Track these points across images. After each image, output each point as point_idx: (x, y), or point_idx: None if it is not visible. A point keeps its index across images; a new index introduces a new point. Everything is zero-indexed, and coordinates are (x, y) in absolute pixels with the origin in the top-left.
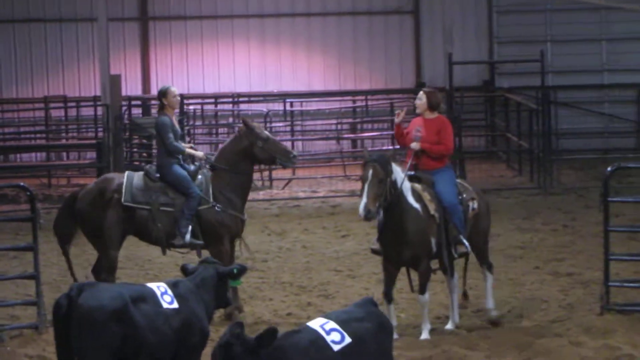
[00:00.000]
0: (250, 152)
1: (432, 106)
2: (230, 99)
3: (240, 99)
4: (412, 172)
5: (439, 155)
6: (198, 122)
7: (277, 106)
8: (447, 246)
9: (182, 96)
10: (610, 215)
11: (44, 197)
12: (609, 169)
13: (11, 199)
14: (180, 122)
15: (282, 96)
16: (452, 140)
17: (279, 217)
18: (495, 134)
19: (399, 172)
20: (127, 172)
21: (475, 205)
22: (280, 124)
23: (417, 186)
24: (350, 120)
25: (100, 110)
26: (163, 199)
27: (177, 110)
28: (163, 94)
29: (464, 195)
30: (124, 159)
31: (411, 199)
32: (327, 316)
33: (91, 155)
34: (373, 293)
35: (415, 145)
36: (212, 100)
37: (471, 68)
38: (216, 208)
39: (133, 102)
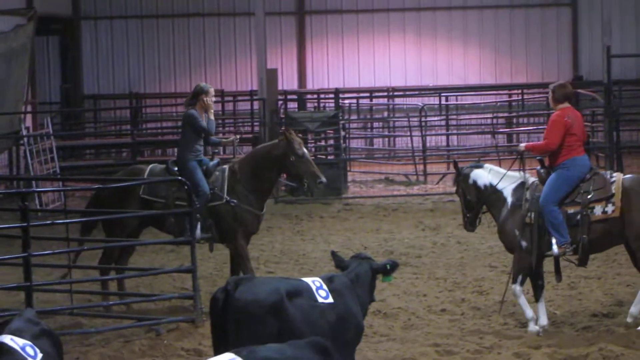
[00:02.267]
0: (280, 162)
1: (556, 99)
2: (386, 93)
3: (395, 93)
4: (539, 168)
5: (541, 153)
6: (353, 117)
7: (433, 100)
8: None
9: (337, 90)
10: None
11: None
12: None
13: None
14: (335, 116)
15: (438, 90)
16: (555, 135)
17: (433, 212)
18: None
19: (483, 175)
20: (151, 165)
21: (610, 208)
22: (435, 118)
23: (529, 183)
24: (505, 114)
25: (256, 105)
26: (179, 193)
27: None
28: (205, 92)
29: (589, 196)
30: None
31: (507, 193)
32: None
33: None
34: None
35: (520, 147)
36: (367, 94)
37: (630, 61)
38: (231, 203)
39: (289, 97)
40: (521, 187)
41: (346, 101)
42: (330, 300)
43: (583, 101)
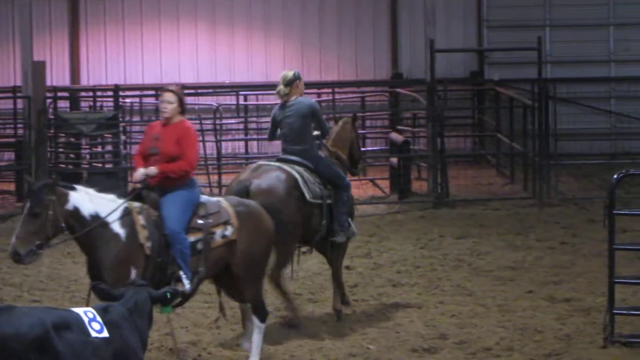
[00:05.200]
0: (351, 145)
1: (185, 108)
2: None
3: (186, 91)
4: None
5: (181, 174)
6: (135, 118)
7: (229, 100)
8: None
9: (117, 87)
10: (616, 230)
11: None
12: (615, 176)
13: None
14: (115, 117)
15: (235, 88)
16: (196, 152)
17: None
18: (484, 134)
19: (85, 201)
20: (284, 165)
21: (229, 231)
22: (233, 121)
23: (137, 207)
24: None
25: (20, 103)
26: (327, 192)
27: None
28: (299, 78)
29: (209, 220)
30: (47, 160)
31: (115, 225)
32: None
33: (9, 156)
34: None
35: (151, 171)
36: (152, 92)
37: (457, 57)
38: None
39: (59, 94)
40: (128, 213)
41: (127, 100)
42: (105, 334)
43: (403, 102)
